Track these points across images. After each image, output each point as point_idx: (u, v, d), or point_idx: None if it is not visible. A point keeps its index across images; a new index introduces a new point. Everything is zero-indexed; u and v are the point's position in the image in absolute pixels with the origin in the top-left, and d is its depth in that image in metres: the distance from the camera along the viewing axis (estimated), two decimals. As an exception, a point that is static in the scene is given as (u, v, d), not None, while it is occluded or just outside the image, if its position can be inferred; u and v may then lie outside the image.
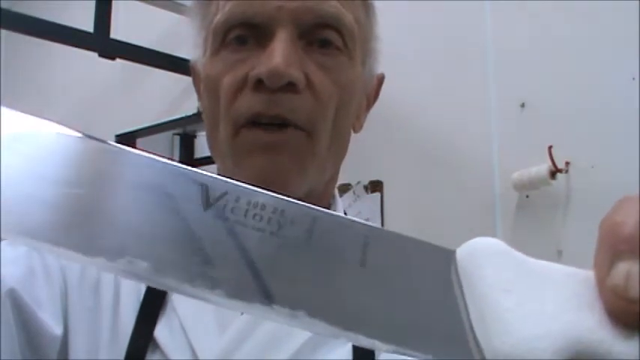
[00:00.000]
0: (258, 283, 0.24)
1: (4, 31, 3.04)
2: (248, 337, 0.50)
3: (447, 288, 0.26)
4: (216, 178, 0.26)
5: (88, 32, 2.10)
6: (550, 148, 1.55)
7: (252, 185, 0.51)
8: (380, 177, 1.98)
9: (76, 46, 2.13)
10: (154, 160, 0.26)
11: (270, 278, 0.24)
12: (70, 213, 0.24)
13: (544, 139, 1.57)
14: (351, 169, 2.02)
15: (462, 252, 0.27)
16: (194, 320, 0.51)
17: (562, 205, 1.56)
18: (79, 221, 0.24)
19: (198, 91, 0.62)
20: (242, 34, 0.52)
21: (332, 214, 0.26)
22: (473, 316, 0.24)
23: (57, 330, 0.51)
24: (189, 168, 0.26)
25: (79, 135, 0.26)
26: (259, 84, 0.50)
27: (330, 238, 0.25)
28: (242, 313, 0.51)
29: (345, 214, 0.63)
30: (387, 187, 1.96)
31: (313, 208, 0.26)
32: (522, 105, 1.66)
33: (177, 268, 0.23)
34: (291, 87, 0.50)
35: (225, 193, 0.25)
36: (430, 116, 1.88)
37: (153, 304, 0.52)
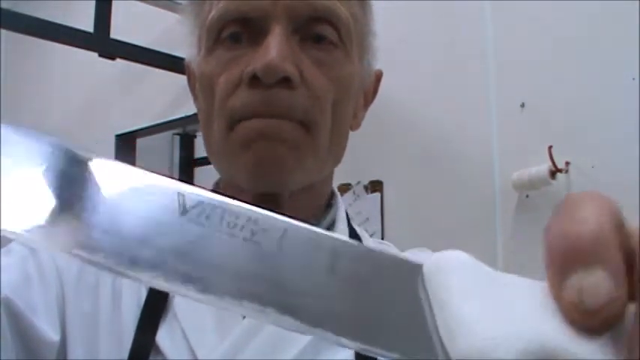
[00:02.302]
0: (227, 281, 0.26)
1: (4, 31, 3.04)
2: (249, 342, 0.49)
3: (413, 297, 0.27)
4: (193, 188, 0.28)
5: (88, 32, 2.10)
6: (550, 148, 1.55)
7: (248, 178, 0.51)
8: (380, 177, 1.98)
9: (76, 46, 2.14)
10: (132, 170, 0.28)
11: (239, 277, 0.26)
12: (53, 210, 0.26)
13: (544, 139, 1.57)
14: (351, 169, 2.02)
15: (429, 264, 0.28)
16: (195, 326, 0.51)
17: (562, 205, 1.56)
18: (60, 219, 0.26)
19: (192, 91, 0.61)
20: (236, 31, 0.52)
21: (304, 226, 0.28)
22: (439, 322, 0.25)
23: (54, 336, 0.50)
24: (167, 178, 0.28)
25: (54, 141, 0.27)
26: (254, 80, 0.49)
27: (301, 246, 0.27)
28: (244, 318, 0.51)
29: (347, 213, 0.63)
30: (387, 187, 1.96)
31: (285, 220, 0.28)
32: (522, 105, 1.66)
33: (150, 265, 0.25)
34: (286, 82, 0.49)
35: (201, 203, 0.27)
36: (430, 116, 1.88)
37: (154, 310, 0.52)
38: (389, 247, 0.64)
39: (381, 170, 1.97)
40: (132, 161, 3.14)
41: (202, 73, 0.54)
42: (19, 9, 2.11)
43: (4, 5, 1.94)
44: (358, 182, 2.01)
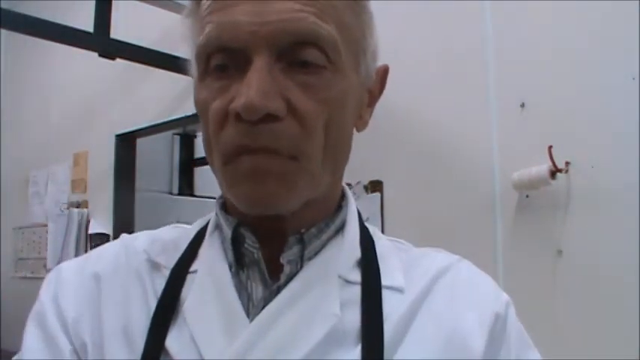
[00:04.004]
0: None
1: (4, 31, 3.04)
2: (256, 344, 0.50)
3: None
4: None
5: (88, 32, 2.10)
6: (550, 148, 1.55)
7: (245, 209, 0.52)
8: (380, 177, 1.98)
9: (76, 46, 2.14)
10: None
11: None
12: None
13: (544, 139, 1.57)
14: (351, 169, 2.01)
15: None
16: (203, 329, 0.52)
17: (562, 205, 1.56)
18: None
19: None
20: (222, 62, 0.51)
21: None
22: None
23: None
24: None
25: None
26: (239, 116, 0.49)
27: None
28: (250, 322, 0.52)
29: (359, 212, 0.62)
30: (387, 187, 1.96)
31: None
32: (522, 105, 1.66)
33: None
34: (270, 117, 0.49)
35: None
36: (430, 116, 1.88)
37: (164, 316, 0.54)
38: (403, 245, 0.64)
39: (381, 170, 1.97)
40: (132, 161, 3.14)
41: (197, 99, 0.54)
42: (19, 9, 2.11)
43: (4, 5, 1.94)
44: (358, 182, 2.01)
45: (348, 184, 2.02)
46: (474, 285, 0.58)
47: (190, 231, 0.62)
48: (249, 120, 0.49)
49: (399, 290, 0.55)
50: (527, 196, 1.63)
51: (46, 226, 3.25)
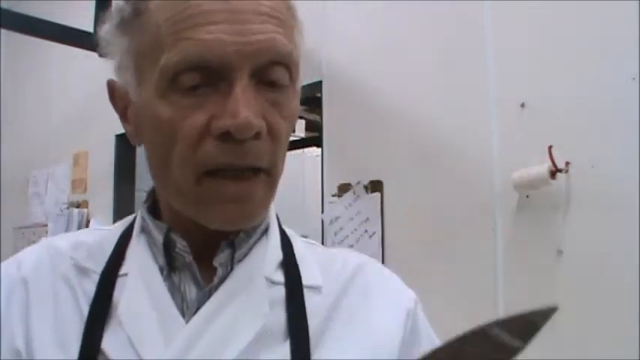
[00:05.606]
0: None
1: (4, 31, 3.04)
2: (193, 345, 0.52)
3: None
4: None
5: (88, 32, 2.10)
6: (550, 148, 1.55)
7: (215, 226, 0.54)
8: (380, 177, 1.98)
9: (76, 46, 2.14)
10: None
11: None
12: None
13: (544, 139, 1.57)
14: (351, 169, 2.02)
15: None
16: (140, 332, 0.53)
17: (562, 205, 1.56)
18: None
19: (119, 112, 0.65)
20: (194, 80, 0.51)
21: None
22: None
23: None
24: None
25: None
26: (225, 134, 0.50)
27: None
28: (186, 322, 0.53)
29: (278, 218, 0.64)
30: (387, 187, 1.96)
31: None
32: (522, 105, 1.66)
33: None
34: (256, 135, 0.51)
35: None
36: (430, 116, 1.88)
37: (98, 318, 0.54)
38: (315, 245, 0.67)
39: (381, 170, 1.97)
40: (132, 161, 3.14)
41: (159, 117, 0.53)
42: (19, 9, 2.12)
43: (4, 5, 1.95)
44: (358, 182, 2.01)
45: (348, 184, 2.02)
46: (384, 284, 0.63)
47: (113, 234, 0.61)
48: (240, 139, 0.50)
49: (318, 289, 0.59)
50: (527, 196, 1.63)
51: (46, 226, 3.25)
